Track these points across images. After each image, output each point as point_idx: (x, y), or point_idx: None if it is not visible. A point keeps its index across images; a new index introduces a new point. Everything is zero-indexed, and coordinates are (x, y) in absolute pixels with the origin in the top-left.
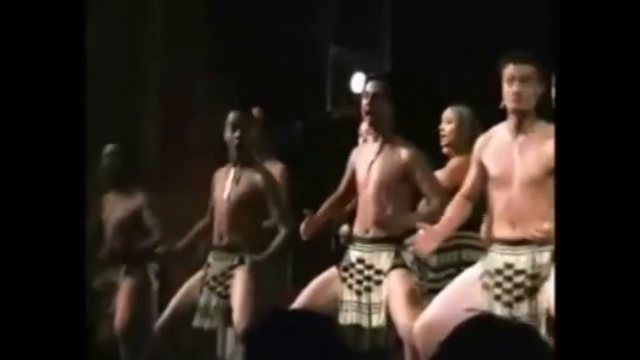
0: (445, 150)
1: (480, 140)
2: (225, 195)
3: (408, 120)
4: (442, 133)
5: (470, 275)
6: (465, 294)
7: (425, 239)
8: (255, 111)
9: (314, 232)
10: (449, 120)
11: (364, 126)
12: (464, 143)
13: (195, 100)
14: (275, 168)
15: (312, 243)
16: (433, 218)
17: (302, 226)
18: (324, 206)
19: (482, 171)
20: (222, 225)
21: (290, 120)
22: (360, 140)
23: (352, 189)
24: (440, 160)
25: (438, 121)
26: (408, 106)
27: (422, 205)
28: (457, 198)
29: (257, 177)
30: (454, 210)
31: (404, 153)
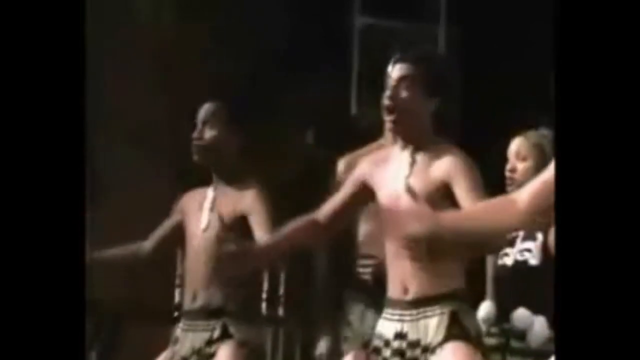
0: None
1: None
2: (200, 227)
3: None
4: (510, 174)
5: None
6: None
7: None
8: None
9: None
10: (523, 156)
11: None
12: None
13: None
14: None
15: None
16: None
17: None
18: (288, 228)
19: None
20: (196, 275)
21: (298, 128)
22: (383, 140)
23: (346, 211)
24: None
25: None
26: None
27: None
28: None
29: (247, 199)
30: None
31: (444, 163)
